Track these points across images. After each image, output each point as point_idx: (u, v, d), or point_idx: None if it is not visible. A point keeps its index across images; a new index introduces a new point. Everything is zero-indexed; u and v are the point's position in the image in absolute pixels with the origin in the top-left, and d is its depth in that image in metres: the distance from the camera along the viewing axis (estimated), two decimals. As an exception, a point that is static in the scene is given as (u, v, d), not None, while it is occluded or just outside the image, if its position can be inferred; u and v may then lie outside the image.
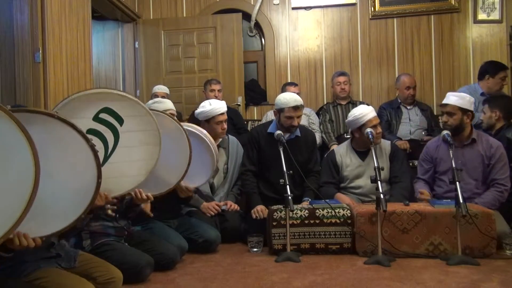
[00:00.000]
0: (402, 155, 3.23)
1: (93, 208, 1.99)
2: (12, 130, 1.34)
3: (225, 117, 3.27)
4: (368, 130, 2.94)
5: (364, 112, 3.12)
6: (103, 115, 1.99)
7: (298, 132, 3.24)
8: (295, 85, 4.48)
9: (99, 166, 1.68)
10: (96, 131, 1.98)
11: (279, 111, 3.18)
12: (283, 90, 4.37)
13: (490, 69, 3.81)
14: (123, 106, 2.02)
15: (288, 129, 3.14)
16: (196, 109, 4.55)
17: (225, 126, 3.28)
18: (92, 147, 1.67)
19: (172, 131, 2.41)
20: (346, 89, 4.33)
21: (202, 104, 3.30)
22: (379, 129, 3.10)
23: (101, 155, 1.97)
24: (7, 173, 1.36)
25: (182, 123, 2.52)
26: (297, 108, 3.11)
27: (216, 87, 4.38)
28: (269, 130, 3.26)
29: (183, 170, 2.43)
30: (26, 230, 1.51)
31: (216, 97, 4.28)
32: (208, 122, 3.23)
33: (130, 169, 2.10)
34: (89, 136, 1.90)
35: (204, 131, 2.81)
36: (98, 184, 1.68)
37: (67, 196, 1.65)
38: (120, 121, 2.03)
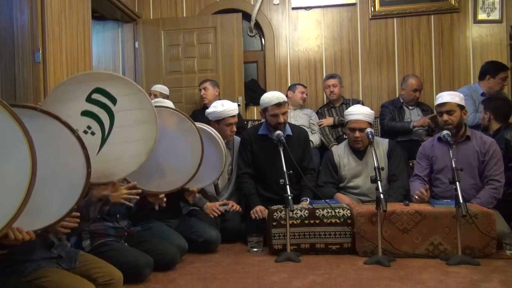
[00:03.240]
0: (400, 153, 3.23)
1: (102, 197, 2.02)
2: (8, 122, 1.36)
3: (235, 119, 3.27)
4: (368, 130, 2.94)
5: (351, 112, 3.18)
6: (96, 96, 1.97)
7: (289, 131, 3.24)
8: (305, 86, 4.50)
9: (87, 156, 1.68)
10: (91, 112, 1.97)
11: (264, 111, 3.20)
12: (291, 89, 4.42)
13: (490, 69, 3.81)
14: (114, 85, 1.99)
15: (276, 128, 3.13)
16: (197, 109, 4.62)
17: (235, 128, 3.28)
18: (79, 137, 1.67)
19: (186, 131, 2.41)
20: (335, 91, 4.32)
21: (214, 104, 3.30)
22: (357, 134, 3.10)
23: (99, 137, 1.99)
24: (4, 165, 1.37)
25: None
26: (280, 104, 3.11)
27: (202, 86, 4.43)
28: (260, 132, 3.26)
29: (193, 171, 2.43)
30: (18, 225, 1.51)
31: (201, 96, 4.38)
32: (218, 123, 3.23)
33: (130, 149, 2.08)
34: (85, 118, 1.95)
35: (215, 131, 2.83)
36: (88, 173, 1.68)
37: (57, 188, 1.65)
38: (113, 100, 2.00)
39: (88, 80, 1.96)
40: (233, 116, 3.23)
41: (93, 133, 1.99)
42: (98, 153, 1.99)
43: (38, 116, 1.60)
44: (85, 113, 1.97)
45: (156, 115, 2.10)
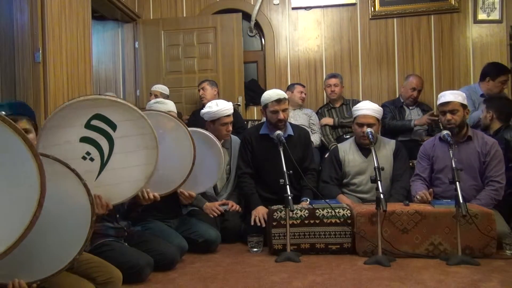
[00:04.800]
0: (405, 153, 3.22)
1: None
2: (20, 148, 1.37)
3: (230, 119, 3.26)
4: (368, 130, 2.94)
5: (360, 107, 3.18)
6: (95, 122, 1.95)
7: (290, 131, 3.25)
8: (303, 86, 4.49)
9: (92, 204, 1.68)
10: (90, 139, 1.96)
11: (264, 108, 3.21)
12: (289, 89, 4.41)
13: (491, 71, 3.78)
14: (114, 111, 1.98)
15: (276, 126, 3.13)
16: (197, 109, 4.62)
17: (230, 128, 3.28)
18: (85, 184, 1.68)
19: (177, 134, 2.41)
20: (336, 91, 4.32)
21: (209, 104, 3.29)
22: (365, 129, 3.08)
23: (97, 163, 1.98)
24: (13, 187, 1.39)
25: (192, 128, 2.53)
26: (280, 101, 3.12)
27: (200, 86, 4.46)
28: (261, 131, 3.27)
29: (186, 172, 2.43)
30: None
31: (200, 96, 4.40)
32: (213, 123, 3.23)
33: (128, 175, 2.06)
34: (84, 144, 1.94)
35: (212, 135, 2.83)
36: (92, 222, 1.68)
37: (60, 236, 1.65)
38: (113, 126, 1.99)
39: (87, 106, 1.94)
40: (228, 115, 3.23)
41: (92, 159, 1.97)
42: (96, 178, 1.98)
43: (49, 163, 1.61)
44: (84, 139, 1.95)
45: (157, 140, 2.08)
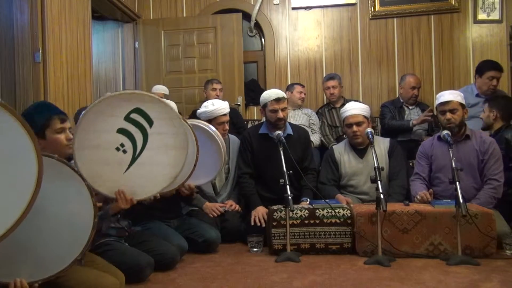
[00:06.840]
0: (400, 151, 3.23)
1: (119, 211, 2.11)
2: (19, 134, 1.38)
3: (227, 118, 3.27)
4: (368, 130, 2.94)
5: (346, 108, 3.20)
6: (134, 116, 2.04)
7: (290, 131, 3.25)
8: (302, 86, 4.49)
9: (95, 206, 1.70)
10: (126, 131, 2.04)
11: (264, 108, 3.22)
12: (289, 89, 4.40)
13: (480, 68, 3.77)
14: (153, 108, 2.06)
15: (276, 125, 3.14)
16: (197, 109, 4.62)
17: (227, 127, 3.28)
18: (89, 186, 1.70)
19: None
20: (335, 93, 4.31)
21: (205, 104, 3.29)
22: (355, 128, 3.10)
23: (129, 156, 2.06)
24: (9, 173, 1.38)
25: (192, 120, 2.53)
26: (279, 100, 3.13)
27: (217, 86, 4.44)
28: (261, 131, 3.27)
29: (189, 170, 2.43)
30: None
31: (217, 96, 4.34)
32: (210, 122, 3.22)
33: (155, 173, 2.11)
34: (120, 135, 2.02)
35: (214, 128, 2.83)
36: (95, 223, 1.69)
37: (63, 237, 1.66)
38: (150, 122, 2.07)
39: (131, 99, 2.03)
40: (225, 114, 3.24)
41: (124, 151, 2.04)
42: (125, 171, 2.05)
43: (53, 163, 1.63)
44: (121, 131, 2.03)
45: (188, 143, 2.14)
